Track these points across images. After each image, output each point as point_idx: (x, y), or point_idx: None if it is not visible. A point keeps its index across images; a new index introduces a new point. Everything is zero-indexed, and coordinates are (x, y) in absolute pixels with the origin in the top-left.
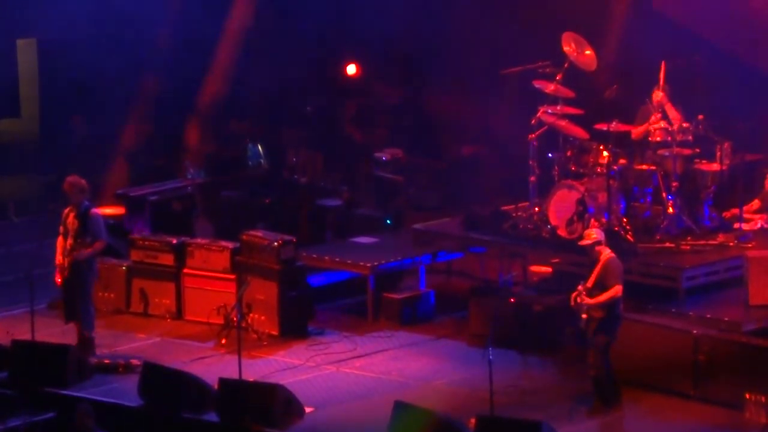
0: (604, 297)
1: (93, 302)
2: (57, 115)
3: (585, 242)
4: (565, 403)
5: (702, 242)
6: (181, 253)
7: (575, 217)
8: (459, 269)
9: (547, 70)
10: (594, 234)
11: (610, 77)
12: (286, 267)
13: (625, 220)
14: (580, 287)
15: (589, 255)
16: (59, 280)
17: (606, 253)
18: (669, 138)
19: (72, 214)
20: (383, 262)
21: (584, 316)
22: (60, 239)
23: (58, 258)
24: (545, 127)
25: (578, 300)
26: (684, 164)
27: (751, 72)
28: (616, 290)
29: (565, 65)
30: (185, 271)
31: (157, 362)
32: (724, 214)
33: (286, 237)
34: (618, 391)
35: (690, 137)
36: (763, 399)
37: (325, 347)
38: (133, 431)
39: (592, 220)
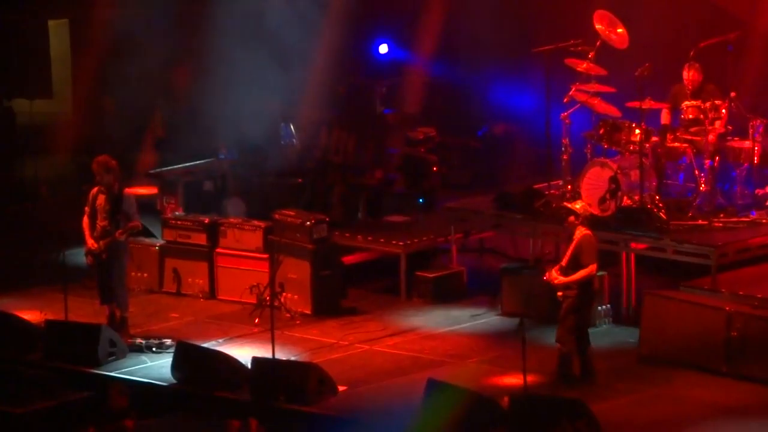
0: (577, 276)
1: (127, 282)
2: (89, 96)
3: (569, 204)
4: (598, 380)
5: (734, 219)
6: (213, 232)
7: (608, 195)
8: (491, 247)
9: (580, 48)
10: (578, 206)
11: (643, 55)
12: (319, 246)
13: (657, 197)
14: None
15: (562, 222)
16: (91, 260)
17: (581, 230)
18: (701, 116)
19: (102, 195)
20: (416, 240)
21: (560, 294)
22: (86, 219)
23: (89, 240)
24: (577, 106)
25: (551, 281)
26: (716, 142)
27: None
28: (591, 269)
29: (597, 43)
30: (218, 250)
31: (190, 342)
32: (756, 191)
33: (319, 216)
34: (591, 372)
35: (722, 115)
36: None
37: (358, 326)
38: (167, 410)
39: (581, 199)
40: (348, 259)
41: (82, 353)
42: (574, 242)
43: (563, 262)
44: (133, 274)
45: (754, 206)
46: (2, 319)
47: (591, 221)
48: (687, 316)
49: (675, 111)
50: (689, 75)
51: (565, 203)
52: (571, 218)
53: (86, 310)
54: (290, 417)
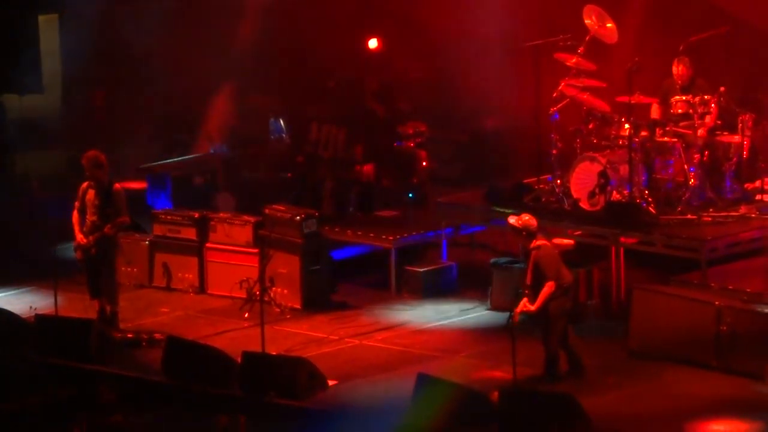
0: (541, 299)
1: (117, 277)
2: (79, 91)
3: (511, 222)
4: (587, 375)
5: (724, 214)
6: (203, 227)
7: (597, 190)
8: (481, 242)
9: (569, 43)
10: (524, 219)
11: (632, 50)
12: (309, 240)
13: (647, 192)
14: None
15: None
16: (80, 255)
17: (534, 243)
18: (690, 110)
19: (92, 190)
20: (406, 235)
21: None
22: (75, 214)
23: (79, 235)
24: (567, 100)
25: (524, 311)
26: (706, 136)
27: None
28: (549, 286)
29: (587, 38)
30: (208, 245)
31: (181, 336)
32: (745, 185)
33: (309, 211)
34: (579, 366)
35: (712, 109)
36: None
37: (347, 320)
38: (157, 405)
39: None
40: (338, 254)
41: (72, 348)
42: (531, 258)
43: (528, 281)
44: (123, 268)
45: (744, 200)
46: None
47: (537, 230)
48: (676, 311)
49: (664, 105)
50: (678, 70)
51: (508, 220)
52: (520, 235)
53: (77, 305)
54: (280, 411)
